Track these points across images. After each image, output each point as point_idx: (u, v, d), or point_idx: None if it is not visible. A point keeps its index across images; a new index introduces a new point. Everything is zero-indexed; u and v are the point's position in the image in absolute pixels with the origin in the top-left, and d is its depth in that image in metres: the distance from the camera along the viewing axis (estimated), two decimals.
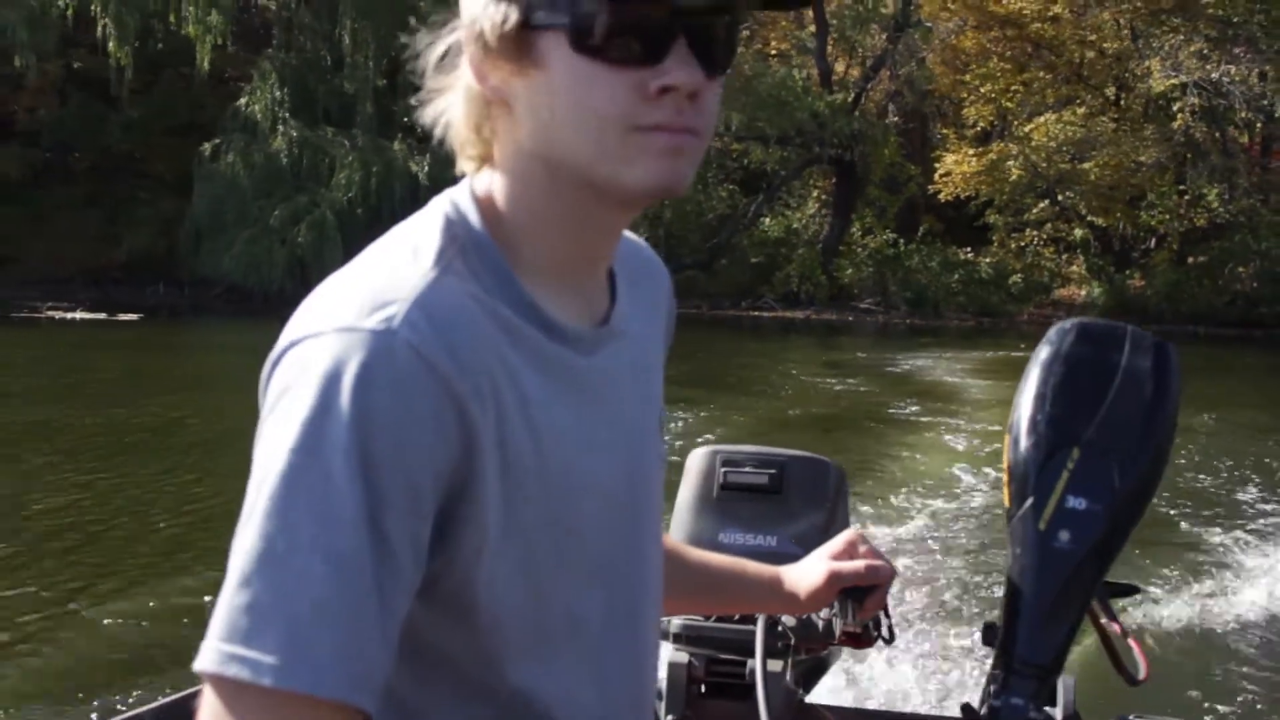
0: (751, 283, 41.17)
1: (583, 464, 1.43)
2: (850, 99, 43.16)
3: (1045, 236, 43.33)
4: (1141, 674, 2.06)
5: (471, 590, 1.34)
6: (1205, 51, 39.38)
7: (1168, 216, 40.81)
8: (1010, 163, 41.33)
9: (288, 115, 37.99)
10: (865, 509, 11.01)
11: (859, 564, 2.04)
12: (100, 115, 40.73)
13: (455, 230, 1.39)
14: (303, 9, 41.00)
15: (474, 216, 1.41)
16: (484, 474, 1.31)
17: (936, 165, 43.44)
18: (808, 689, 2.86)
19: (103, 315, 31.43)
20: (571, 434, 1.41)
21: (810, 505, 2.86)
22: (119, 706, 6.53)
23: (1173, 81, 39.28)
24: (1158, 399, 2.03)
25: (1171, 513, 11.51)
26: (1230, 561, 10.10)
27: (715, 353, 27.35)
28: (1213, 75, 38.84)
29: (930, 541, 10.00)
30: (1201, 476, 13.80)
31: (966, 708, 1.99)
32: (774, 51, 46.24)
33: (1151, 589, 8.73)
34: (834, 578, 2.03)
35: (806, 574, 2.06)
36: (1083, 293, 41.84)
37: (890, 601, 2.14)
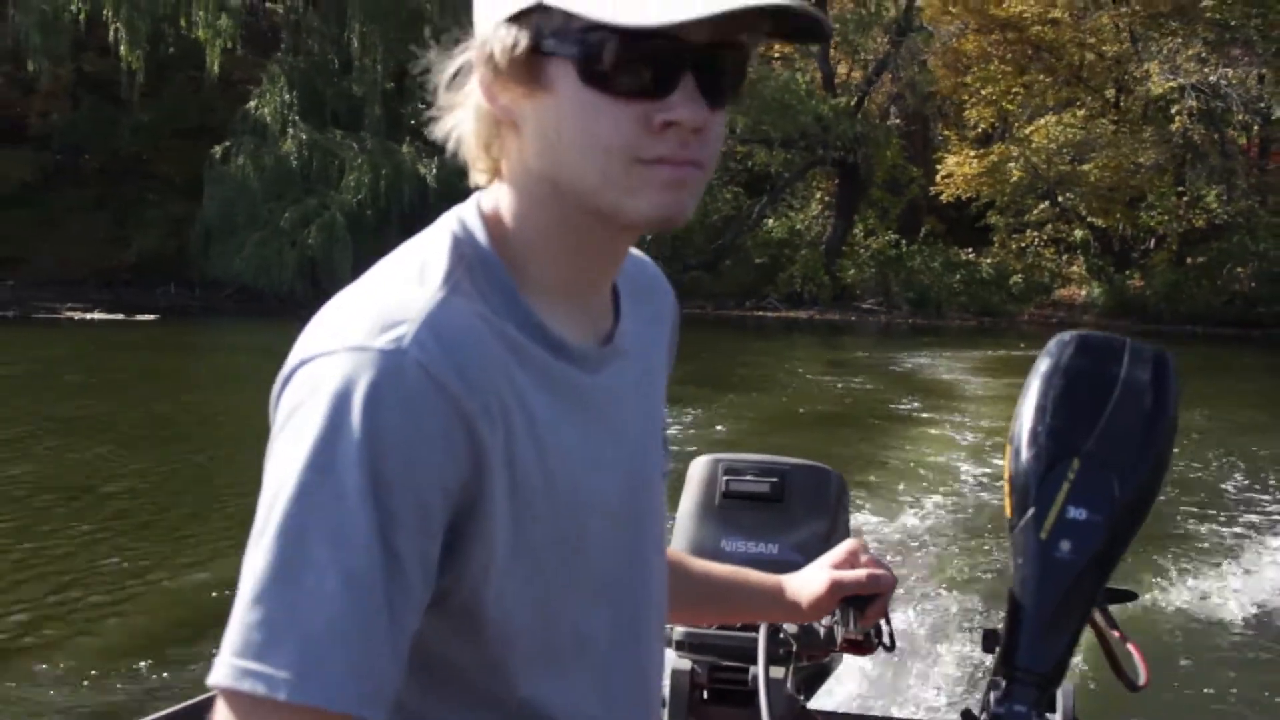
0: (756, 283, 41.23)
1: (588, 482, 1.43)
2: (853, 102, 43.23)
3: (1046, 237, 43.37)
4: (1142, 680, 2.06)
5: (480, 605, 1.35)
6: (1203, 55, 39.39)
7: (1167, 217, 40.82)
8: (1011, 164, 41.35)
9: (297, 118, 38.03)
10: (867, 509, 11.00)
11: (860, 573, 2.04)
12: (110, 118, 40.80)
13: (463, 249, 1.39)
14: (311, 13, 41.06)
15: (481, 235, 1.41)
16: (492, 492, 1.31)
17: (938, 167, 43.49)
18: (809, 695, 2.85)
19: (120, 316, 31.59)
20: (577, 452, 1.41)
21: (812, 513, 2.85)
22: (127, 709, 6.55)
23: (1171, 84, 39.29)
24: (1157, 410, 2.03)
25: (1171, 514, 11.50)
26: (1230, 563, 10.09)
27: (720, 352, 27.39)
28: (1210, 78, 38.86)
29: (931, 546, 9.98)
30: (1200, 477, 13.80)
31: (967, 714, 1.99)
32: (777, 55, 46.25)
33: (1151, 592, 8.71)
34: (836, 586, 2.03)
35: (809, 583, 2.06)
36: (1083, 293, 41.90)
37: (891, 609, 2.14)
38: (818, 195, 46.31)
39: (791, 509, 2.85)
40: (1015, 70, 43.44)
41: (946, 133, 47.06)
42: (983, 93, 43.24)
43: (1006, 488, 2.04)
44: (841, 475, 2.97)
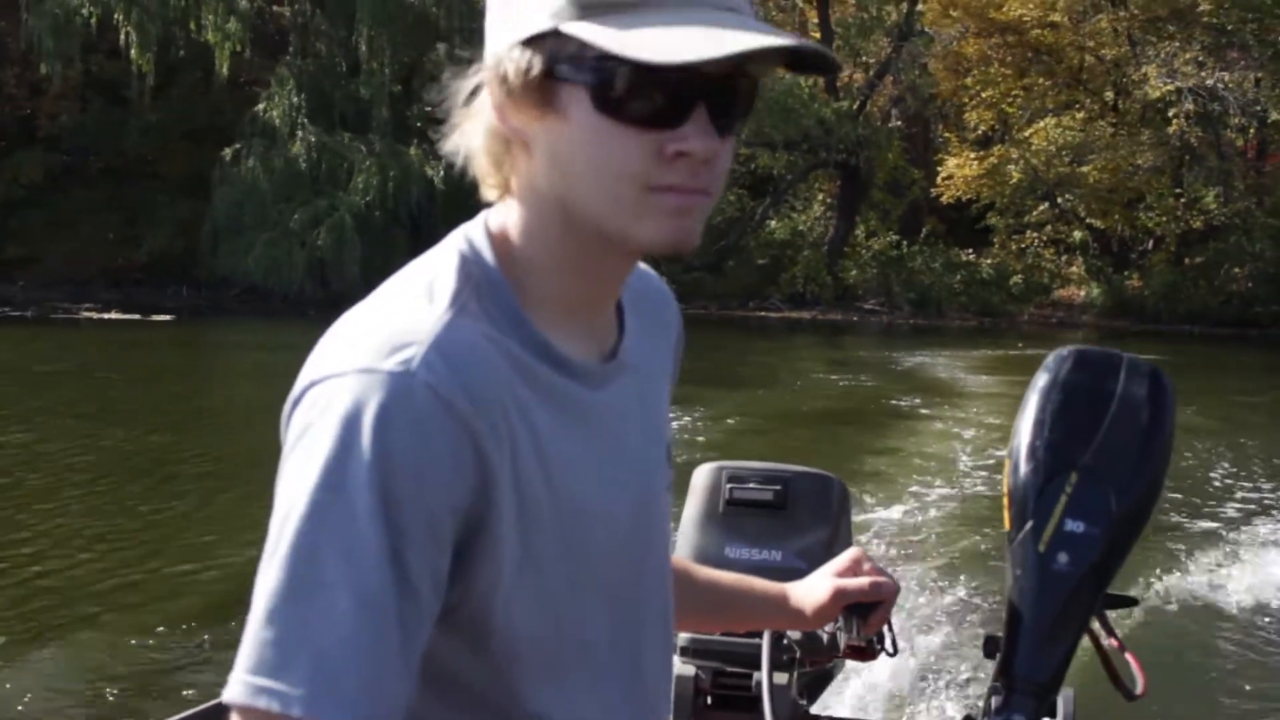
0: (759, 284, 41.18)
1: (593, 496, 1.44)
2: (855, 105, 43.14)
3: (1045, 238, 43.27)
4: (1139, 689, 2.07)
5: (487, 618, 1.36)
6: (1201, 59, 39.36)
7: (1165, 219, 40.75)
8: (1011, 166, 41.31)
9: (305, 120, 38.01)
10: (868, 509, 10.97)
11: (864, 581, 2.04)
12: (119, 120, 40.77)
13: (470, 269, 1.40)
14: (319, 16, 41.02)
15: (488, 254, 1.41)
16: (500, 508, 1.32)
17: (939, 169, 43.42)
18: (812, 700, 2.86)
19: (137, 316, 31.65)
20: (582, 467, 1.42)
21: (815, 520, 2.86)
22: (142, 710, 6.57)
23: (1169, 87, 39.23)
24: (1153, 425, 2.04)
25: (1169, 515, 11.46)
26: (1228, 564, 10.02)
27: (724, 352, 27.34)
28: (1208, 81, 38.81)
29: (933, 548, 9.93)
30: (1197, 477, 13.75)
31: None
32: None
33: (1147, 594, 8.67)
34: (839, 594, 2.04)
35: (812, 590, 2.06)
36: (1082, 293, 41.85)
37: (893, 615, 2.15)
38: (820, 197, 46.24)
39: (795, 516, 2.86)
40: (1015, 73, 43.36)
41: (947, 135, 46.95)
42: (983, 95, 43.16)
43: (1005, 500, 2.05)
44: (843, 483, 2.98)
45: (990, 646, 2.05)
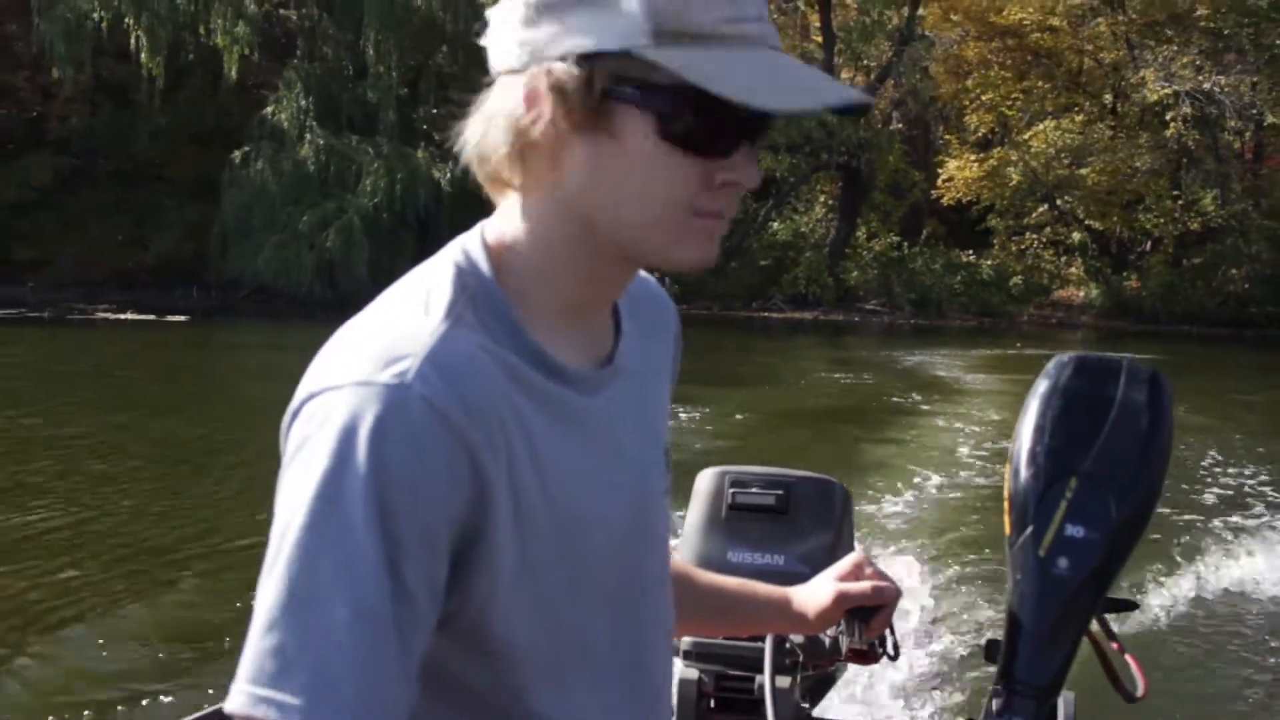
0: (761, 284, 41.22)
1: (590, 501, 1.44)
2: None
3: (1044, 239, 43.34)
4: (1139, 691, 2.06)
5: (486, 625, 1.36)
6: (1198, 62, 39.39)
7: (1163, 220, 40.79)
8: (1011, 168, 41.40)
9: (314, 124, 38.08)
10: (870, 511, 10.94)
11: (866, 585, 2.03)
12: (128, 123, 40.87)
13: (466, 280, 1.39)
14: (326, 20, 41.07)
15: (484, 264, 1.41)
16: (497, 518, 1.32)
17: (939, 171, 43.51)
18: (815, 703, 2.85)
19: (152, 316, 31.69)
20: (579, 473, 1.42)
21: (817, 525, 2.85)
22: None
23: (1166, 91, 39.26)
24: (1153, 430, 2.04)
25: (1165, 514, 11.40)
26: (1227, 564, 9.95)
27: (727, 352, 27.39)
28: (1205, 85, 38.84)
29: (934, 552, 9.87)
30: (1195, 477, 13.73)
31: None
32: None
33: (1148, 595, 8.63)
34: (841, 598, 2.03)
35: (815, 594, 2.05)
36: (1081, 294, 41.91)
37: (894, 619, 2.15)
38: (822, 199, 46.26)
39: (797, 521, 2.85)
40: (1015, 76, 43.47)
41: (947, 137, 46.99)
42: (983, 98, 43.26)
43: (1006, 505, 2.05)
44: (845, 487, 2.97)
45: (991, 650, 2.04)
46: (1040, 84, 43.54)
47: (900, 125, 47.18)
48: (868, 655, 2.17)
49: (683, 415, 16.24)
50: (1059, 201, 42.51)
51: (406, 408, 1.26)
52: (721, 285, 39.69)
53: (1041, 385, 2.11)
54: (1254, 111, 40.13)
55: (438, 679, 1.36)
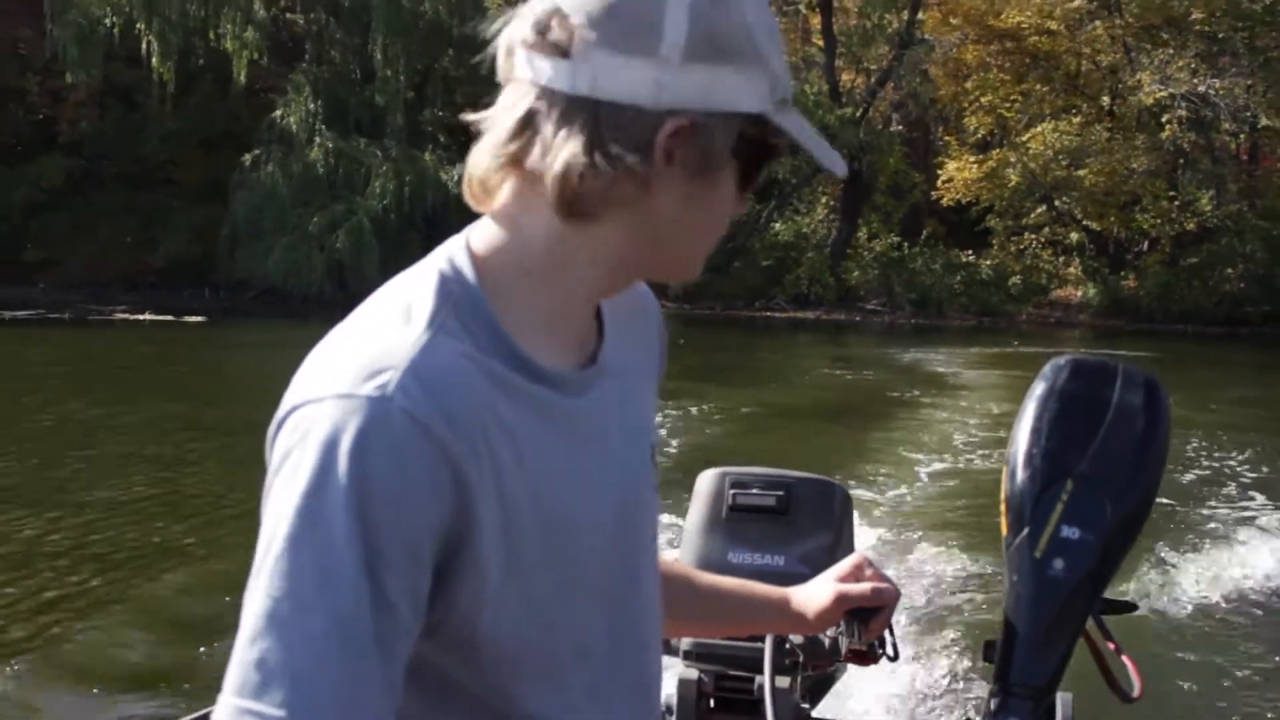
0: (763, 284, 41.18)
1: (578, 503, 1.44)
2: (858, 112, 43.09)
3: (1043, 240, 43.25)
4: (1135, 692, 2.06)
5: (475, 631, 1.36)
6: (1193, 66, 39.37)
7: (1159, 221, 40.74)
8: (1009, 169, 41.30)
9: (322, 127, 38.12)
10: (870, 509, 10.92)
11: (865, 586, 2.03)
12: (138, 126, 40.93)
13: (450, 287, 1.38)
14: (333, 24, 41.10)
15: (469, 273, 1.40)
16: (482, 527, 1.31)
17: (939, 172, 43.44)
18: (814, 704, 2.85)
19: (170, 317, 31.80)
20: (566, 475, 1.42)
21: (817, 525, 2.84)
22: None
23: (1162, 94, 39.24)
24: (1148, 433, 2.03)
25: (1162, 515, 11.36)
26: (1223, 563, 9.88)
27: (729, 350, 27.43)
28: (1200, 88, 38.81)
29: (934, 553, 9.83)
30: (1191, 475, 13.72)
31: None
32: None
33: (1143, 595, 8.58)
34: (841, 599, 2.02)
35: (814, 595, 2.05)
36: (1079, 293, 41.84)
37: (894, 620, 2.14)
38: (823, 200, 46.19)
39: (797, 522, 2.84)
40: (1014, 79, 43.40)
41: (947, 139, 46.91)
42: (982, 100, 43.19)
43: (1003, 507, 2.05)
44: (846, 488, 2.96)
45: (990, 651, 2.04)
46: (1038, 86, 43.48)
47: (900, 127, 47.14)
48: (867, 656, 2.16)
49: (686, 412, 16.25)
50: (1057, 202, 42.47)
51: (388, 420, 1.26)
52: (724, 285, 39.66)
53: (1038, 388, 2.11)
54: (1248, 114, 40.11)
55: (437, 684, 1.37)
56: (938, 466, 13.87)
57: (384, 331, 1.34)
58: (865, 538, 9.80)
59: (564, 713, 1.45)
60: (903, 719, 6.37)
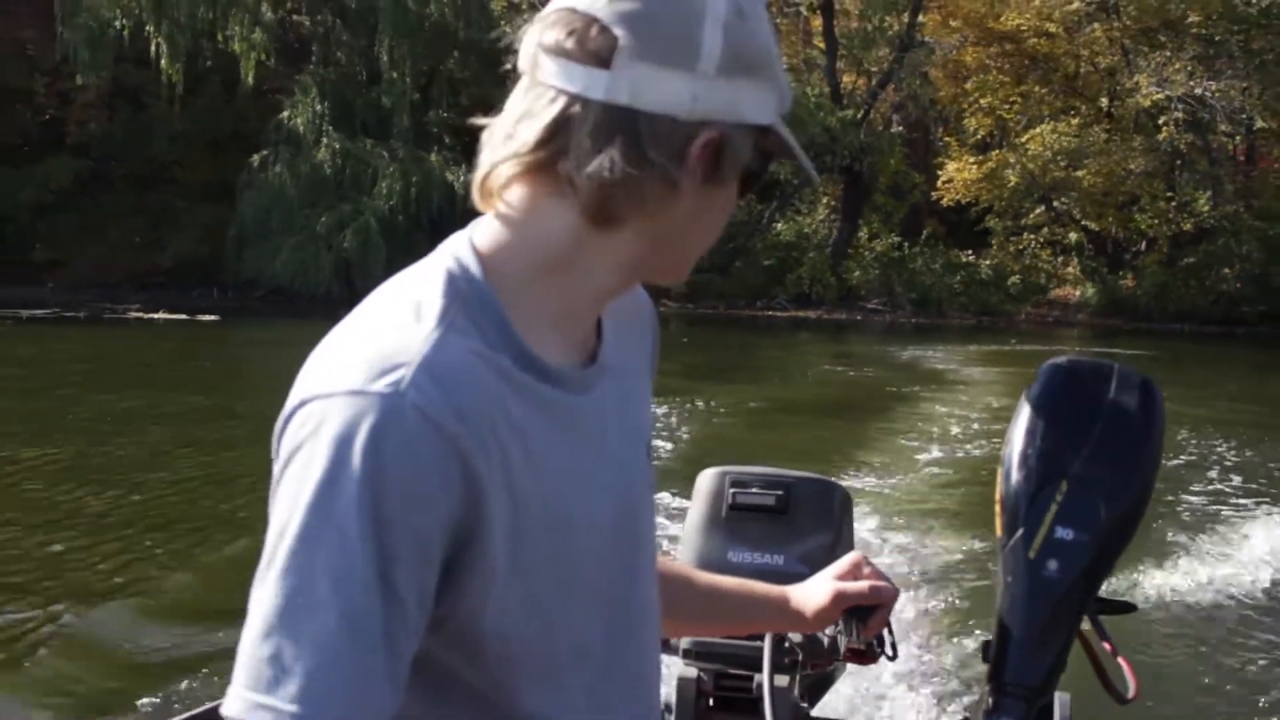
0: (765, 284, 41.18)
1: (582, 501, 1.44)
2: (859, 114, 43.08)
3: (1042, 240, 43.26)
4: (1131, 693, 2.05)
5: (479, 627, 1.36)
6: (1190, 68, 39.36)
7: (1157, 221, 40.75)
8: (1009, 170, 41.29)
9: (329, 128, 38.13)
10: (869, 507, 10.89)
11: (863, 585, 2.03)
12: (146, 127, 40.87)
13: (458, 285, 1.38)
14: (340, 26, 41.09)
15: (476, 270, 1.40)
16: (490, 523, 1.31)
17: (939, 173, 43.44)
18: (813, 703, 2.84)
19: (183, 316, 31.79)
20: (571, 473, 1.42)
21: (817, 525, 2.83)
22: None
23: (1159, 96, 39.24)
24: (1143, 434, 2.03)
25: (1157, 514, 11.27)
26: (1218, 563, 9.80)
27: (732, 349, 27.42)
28: (1196, 90, 38.80)
29: (933, 552, 9.79)
30: (1187, 474, 13.66)
31: None
32: (785, 67, 46.02)
33: (1138, 595, 8.51)
34: (839, 598, 2.02)
35: (813, 594, 2.04)
36: (1077, 293, 41.85)
37: (893, 619, 2.13)
38: (824, 200, 46.15)
39: (797, 521, 2.83)
40: (1013, 81, 43.42)
41: (947, 140, 46.88)
42: (982, 102, 43.19)
43: (997, 508, 2.04)
44: (845, 489, 2.96)
45: (988, 651, 2.03)
46: (1037, 88, 43.49)
47: (901, 129, 47.10)
48: (866, 655, 2.15)
49: (689, 410, 16.25)
50: (1056, 203, 42.46)
51: (401, 416, 1.25)
52: (727, 284, 39.68)
53: (1034, 389, 2.10)
54: (1244, 116, 40.12)
55: (438, 680, 1.37)
56: (937, 464, 13.86)
57: (395, 328, 1.33)
58: (864, 535, 9.78)
59: (563, 712, 1.45)
60: (901, 718, 6.36)
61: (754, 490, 2.87)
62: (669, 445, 13.61)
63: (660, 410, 15.29)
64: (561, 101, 1.35)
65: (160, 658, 7.47)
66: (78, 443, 14.12)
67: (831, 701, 2.99)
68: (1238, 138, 42.85)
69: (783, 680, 2.55)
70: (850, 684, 5.99)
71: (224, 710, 1.24)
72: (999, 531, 2.02)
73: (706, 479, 2.93)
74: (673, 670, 2.72)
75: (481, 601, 1.34)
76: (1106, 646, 2.07)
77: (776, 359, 26.99)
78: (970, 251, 42.92)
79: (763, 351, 28.74)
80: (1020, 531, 1.98)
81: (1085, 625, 2.05)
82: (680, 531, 2.95)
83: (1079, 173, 40.49)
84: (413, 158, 37.79)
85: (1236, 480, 13.51)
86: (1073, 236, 42.93)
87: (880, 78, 44.67)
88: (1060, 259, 43.29)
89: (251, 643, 1.24)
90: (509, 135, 1.39)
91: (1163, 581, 9.13)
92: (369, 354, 1.30)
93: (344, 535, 1.23)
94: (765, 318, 39.00)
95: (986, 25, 42.27)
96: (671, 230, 1.42)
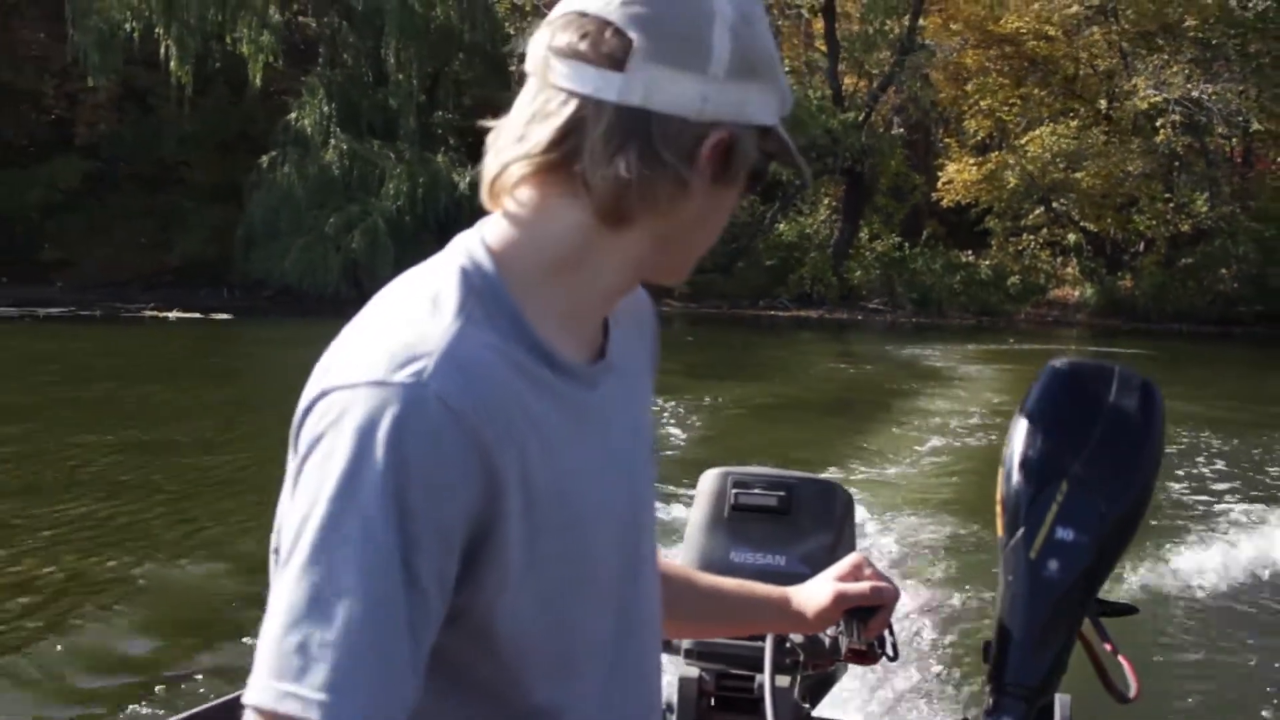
0: (767, 284, 41.25)
1: (594, 495, 1.44)
2: (860, 116, 43.12)
3: (1041, 241, 43.35)
4: (1132, 693, 2.04)
5: (495, 619, 1.36)
6: (1188, 71, 39.41)
7: (1155, 222, 40.83)
8: (1008, 171, 41.37)
9: (336, 129, 38.16)
10: (869, 506, 10.87)
11: (864, 585, 2.02)
12: (154, 129, 40.86)
13: (472, 280, 1.38)
14: (347, 28, 41.12)
15: (489, 265, 1.40)
16: (508, 514, 1.31)
17: (939, 174, 43.52)
18: (814, 703, 2.83)
19: (197, 315, 31.89)
20: (583, 467, 1.42)
21: (818, 526, 2.83)
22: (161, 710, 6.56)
23: (1157, 98, 39.27)
24: (1143, 436, 2.02)
25: (1158, 514, 11.30)
26: (1218, 562, 9.79)
27: (734, 348, 27.48)
28: (1193, 93, 38.83)
29: (934, 553, 9.78)
30: (1185, 473, 13.68)
31: None
32: (787, 69, 46.09)
33: (1139, 595, 8.50)
34: (840, 598, 2.01)
35: (814, 595, 2.04)
36: (1076, 293, 41.93)
37: (894, 620, 2.12)
38: (826, 201, 46.22)
39: (799, 522, 2.82)
40: (1012, 83, 43.50)
41: (947, 141, 46.98)
42: (981, 104, 43.27)
43: (998, 508, 2.03)
44: (848, 490, 2.94)
45: (988, 651, 2.02)
46: (1037, 90, 43.55)
47: (902, 130, 47.17)
48: (867, 655, 2.14)
49: (692, 408, 16.26)
50: (1055, 204, 42.52)
51: (424, 407, 1.26)
52: (729, 284, 39.73)
53: (1034, 390, 2.09)
54: (1241, 118, 40.17)
55: (452, 672, 1.36)
56: (938, 464, 13.87)
57: (414, 320, 1.34)
58: (865, 535, 9.78)
59: (574, 707, 1.45)
60: (901, 718, 6.35)
61: (756, 491, 2.86)
62: (671, 444, 13.62)
63: (663, 409, 15.31)
64: (574, 103, 1.35)
65: (175, 651, 7.50)
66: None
67: (832, 702, 2.98)
68: (1234, 140, 42.90)
69: (784, 680, 2.54)
70: (851, 684, 5.99)
71: (248, 700, 1.23)
72: (1000, 531, 2.01)
73: (709, 479, 2.92)
74: (674, 670, 2.71)
75: (497, 595, 1.34)
76: (1107, 647, 2.06)
77: (778, 358, 27.01)
78: (970, 252, 43.02)
79: (765, 351, 28.77)
80: (1021, 532, 1.96)
81: (1086, 626, 2.04)
82: (683, 531, 2.94)
83: (1078, 174, 40.58)
84: (419, 159, 37.83)
85: (1235, 480, 13.51)
86: (1072, 237, 42.99)
87: (881, 80, 44.74)
88: (1059, 259, 43.39)
89: (276, 632, 1.23)
90: (520, 137, 1.39)
91: (1163, 581, 9.12)
92: (390, 345, 1.30)
93: (368, 525, 1.23)
94: (767, 317, 39.06)
95: (986, 28, 42.34)
96: (679, 230, 1.42)
